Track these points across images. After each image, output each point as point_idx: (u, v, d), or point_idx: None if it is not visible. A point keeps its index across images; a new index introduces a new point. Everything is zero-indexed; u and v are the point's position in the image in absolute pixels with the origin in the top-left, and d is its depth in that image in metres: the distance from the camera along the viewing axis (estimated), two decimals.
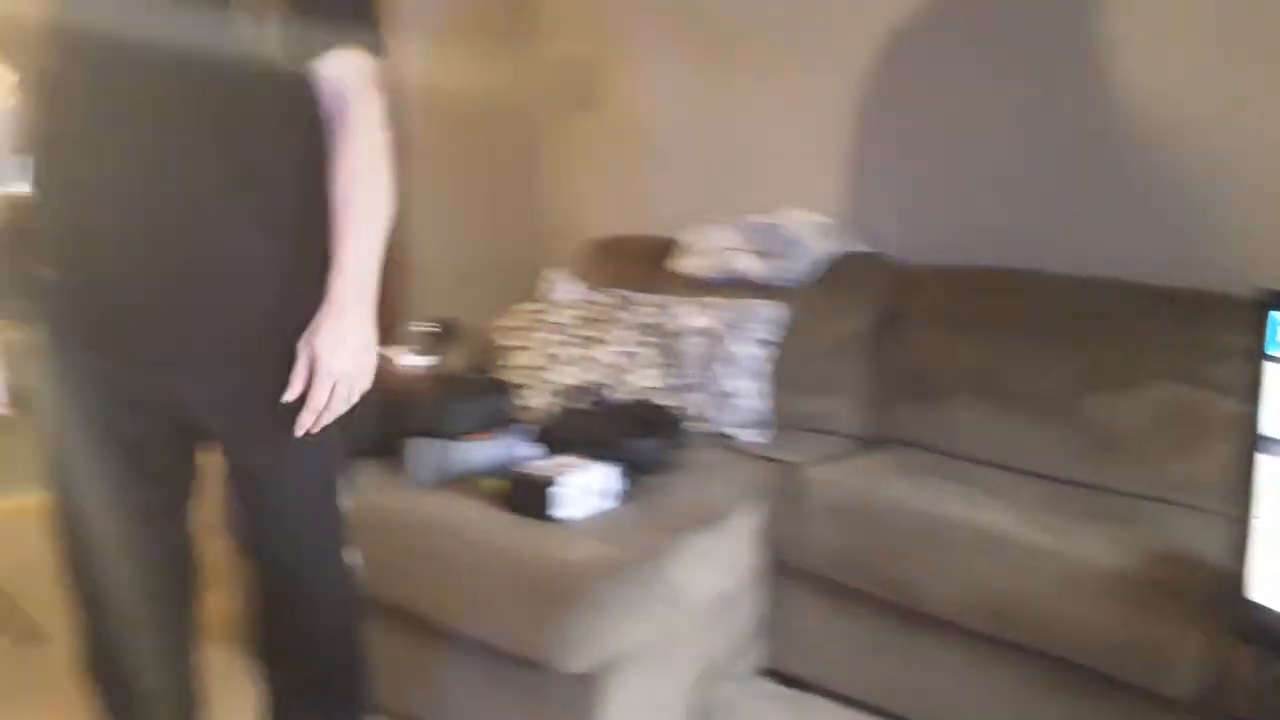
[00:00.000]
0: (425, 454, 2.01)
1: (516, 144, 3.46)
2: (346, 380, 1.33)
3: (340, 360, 1.32)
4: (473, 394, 2.14)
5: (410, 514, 1.91)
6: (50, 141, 1.32)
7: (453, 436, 2.03)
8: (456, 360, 2.54)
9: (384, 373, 2.32)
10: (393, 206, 1.37)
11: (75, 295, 1.34)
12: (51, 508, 1.42)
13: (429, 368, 2.38)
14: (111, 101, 1.27)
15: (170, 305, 1.33)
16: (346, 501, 1.48)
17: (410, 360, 2.40)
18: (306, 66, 1.32)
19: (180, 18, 1.25)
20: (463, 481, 1.97)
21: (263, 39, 1.27)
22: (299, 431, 1.33)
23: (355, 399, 1.36)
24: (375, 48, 1.36)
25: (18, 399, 1.40)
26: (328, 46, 1.32)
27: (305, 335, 1.32)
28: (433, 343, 2.48)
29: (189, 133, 1.28)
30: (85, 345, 1.36)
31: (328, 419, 1.35)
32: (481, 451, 2.04)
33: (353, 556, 1.50)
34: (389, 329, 2.52)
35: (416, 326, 2.54)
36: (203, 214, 1.31)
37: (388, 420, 2.11)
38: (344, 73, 1.33)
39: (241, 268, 1.33)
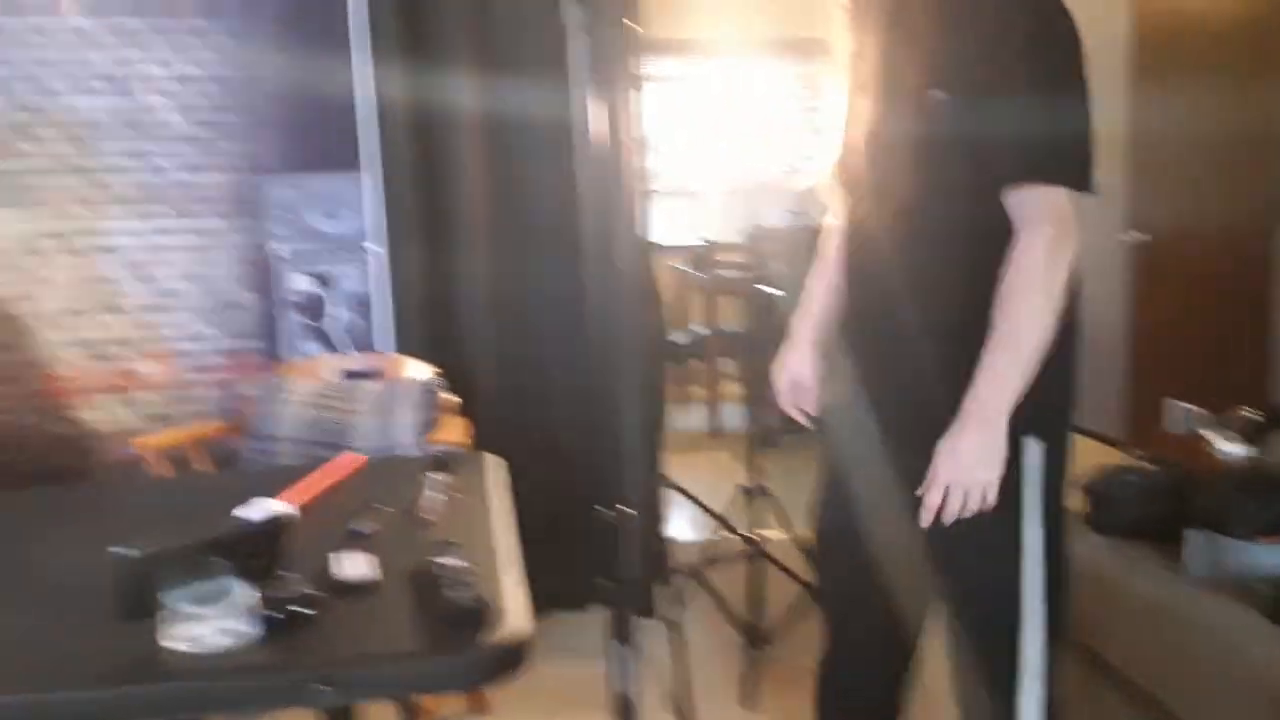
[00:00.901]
0: (1203, 547, 2.00)
1: None
2: (959, 489, 1.43)
3: (953, 471, 1.43)
4: (1273, 492, 2.03)
5: (1169, 602, 1.95)
6: (847, 242, 1.69)
7: (1238, 534, 1.98)
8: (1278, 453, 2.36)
9: (1189, 456, 2.33)
10: (1047, 335, 1.40)
11: (851, 355, 1.68)
12: (815, 515, 1.77)
13: (1241, 458, 2.29)
14: (876, 207, 1.59)
15: (897, 376, 1.58)
16: (1035, 574, 1.52)
17: (1225, 447, 2.34)
18: (1000, 192, 1.43)
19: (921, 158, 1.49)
20: (1238, 582, 1.92)
21: (972, 163, 1.44)
22: (922, 523, 1.47)
23: (973, 507, 1.43)
24: (1068, 182, 1.42)
25: (818, 418, 1.81)
26: (1016, 178, 1.42)
27: (941, 439, 1.45)
28: (1256, 432, 2.37)
29: (917, 235, 1.52)
30: (854, 396, 1.67)
31: (945, 520, 1.45)
32: (1268, 555, 1.94)
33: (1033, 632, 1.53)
34: (1223, 409, 2.48)
35: (1243, 412, 2.44)
36: (924, 303, 1.53)
37: (1176, 505, 2.15)
38: (1024, 204, 1.42)
39: (938, 358, 1.52)
